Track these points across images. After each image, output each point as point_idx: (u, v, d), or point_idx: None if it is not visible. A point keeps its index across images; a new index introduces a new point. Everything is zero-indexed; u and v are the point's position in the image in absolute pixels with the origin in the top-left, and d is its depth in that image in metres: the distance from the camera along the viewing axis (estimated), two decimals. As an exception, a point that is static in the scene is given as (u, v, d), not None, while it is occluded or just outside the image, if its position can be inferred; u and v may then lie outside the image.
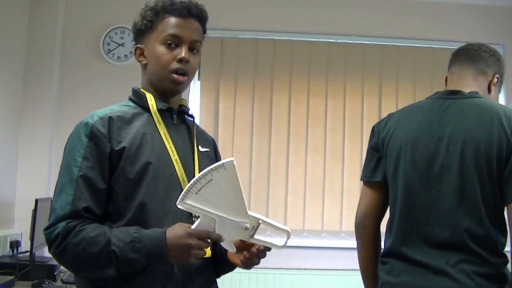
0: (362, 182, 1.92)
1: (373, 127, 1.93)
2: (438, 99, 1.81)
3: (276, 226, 1.42)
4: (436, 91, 1.86)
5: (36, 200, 3.14)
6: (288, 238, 1.44)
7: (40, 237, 3.26)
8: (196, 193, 1.32)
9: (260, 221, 1.39)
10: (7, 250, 3.36)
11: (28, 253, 3.16)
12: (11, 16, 3.65)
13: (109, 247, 1.35)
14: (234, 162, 1.31)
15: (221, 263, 1.62)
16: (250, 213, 1.38)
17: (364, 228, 1.89)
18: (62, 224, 1.38)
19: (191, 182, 1.33)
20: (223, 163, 1.31)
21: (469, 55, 1.87)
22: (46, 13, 3.91)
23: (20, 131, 3.79)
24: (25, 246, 3.40)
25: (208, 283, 1.57)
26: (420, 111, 1.82)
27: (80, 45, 4.06)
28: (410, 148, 1.75)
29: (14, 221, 3.66)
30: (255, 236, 1.40)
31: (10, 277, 2.57)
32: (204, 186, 1.32)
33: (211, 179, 1.32)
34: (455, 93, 1.80)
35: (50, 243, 1.40)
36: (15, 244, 3.39)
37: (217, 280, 1.66)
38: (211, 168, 1.31)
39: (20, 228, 3.57)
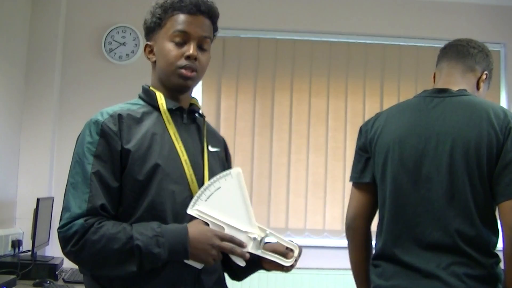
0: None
1: (361, 127, 1.89)
2: (426, 97, 1.77)
3: (284, 241, 1.44)
4: (424, 89, 1.82)
5: (38, 199, 3.15)
6: (298, 255, 1.44)
7: (42, 236, 3.28)
8: (206, 200, 1.35)
9: (268, 232, 1.41)
10: (9, 250, 3.37)
11: (30, 253, 3.17)
12: (13, 14, 3.65)
13: (131, 243, 1.33)
14: (241, 171, 1.35)
15: (251, 268, 1.56)
16: (257, 224, 1.40)
17: (354, 230, 1.88)
18: (79, 222, 1.34)
19: (201, 189, 1.36)
20: (230, 172, 1.35)
21: (458, 52, 1.84)
22: (48, 12, 3.90)
23: (22, 129, 3.79)
24: (26, 245, 3.40)
25: (219, 284, 1.55)
26: (408, 110, 1.79)
27: (82, 44, 4.06)
28: (398, 148, 1.72)
29: (15, 220, 3.66)
30: (265, 251, 1.41)
31: (12, 276, 2.57)
32: (213, 193, 1.35)
33: (219, 187, 1.35)
34: (443, 91, 1.76)
35: (66, 241, 1.35)
36: (16, 244, 3.40)
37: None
38: (219, 176, 1.35)
39: (21, 227, 3.57)
